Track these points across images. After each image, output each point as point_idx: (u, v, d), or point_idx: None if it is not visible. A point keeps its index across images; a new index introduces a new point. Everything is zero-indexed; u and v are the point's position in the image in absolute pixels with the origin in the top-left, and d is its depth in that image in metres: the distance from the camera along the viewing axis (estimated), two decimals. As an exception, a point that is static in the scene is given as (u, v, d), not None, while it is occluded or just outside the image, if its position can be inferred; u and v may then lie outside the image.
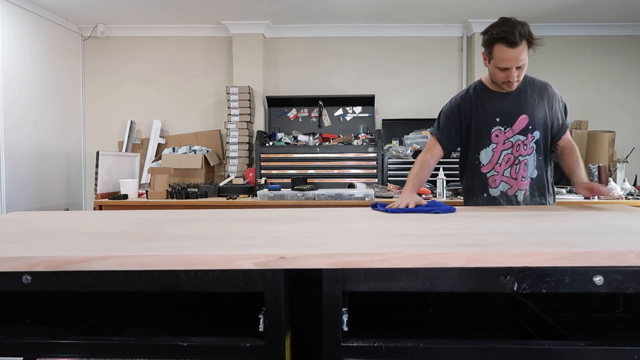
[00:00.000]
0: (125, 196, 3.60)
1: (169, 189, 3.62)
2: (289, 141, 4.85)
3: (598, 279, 0.95)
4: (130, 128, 5.03)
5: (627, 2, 4.40)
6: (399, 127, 5.02)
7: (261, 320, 0.98)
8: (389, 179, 4.41)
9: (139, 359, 0.99)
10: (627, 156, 4.12)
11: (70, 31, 5.06)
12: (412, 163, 4.45)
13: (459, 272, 0.96)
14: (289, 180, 3.83)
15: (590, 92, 5.15)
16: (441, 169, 3.61)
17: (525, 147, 2.02)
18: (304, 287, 1.09)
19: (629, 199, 3.36)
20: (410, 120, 5.06)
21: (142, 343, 0.99)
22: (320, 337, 0.98)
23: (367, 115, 5.12)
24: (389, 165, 4.49)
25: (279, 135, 4.94)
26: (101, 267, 0.96)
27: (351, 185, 3.92)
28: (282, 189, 3.61)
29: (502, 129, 2.03)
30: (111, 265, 0.96)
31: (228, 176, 4.53)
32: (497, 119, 2.03)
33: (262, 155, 4.58)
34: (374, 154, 4.52)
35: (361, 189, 3.65)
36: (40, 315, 1.46)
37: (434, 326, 1.46)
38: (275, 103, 5.13)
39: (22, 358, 1.00)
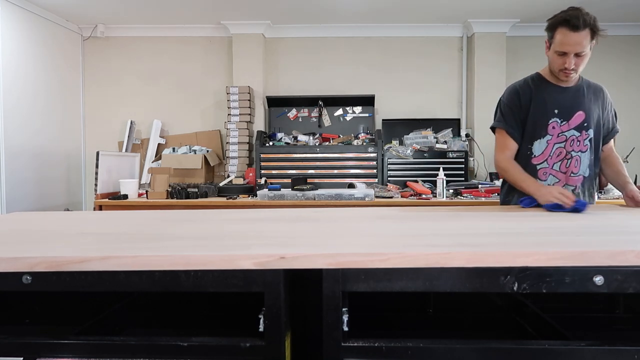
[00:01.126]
0: (125, 196, 3.60)
1: (169, 189, 3.62)
2: (289, 141, 4.85)
3: (598, 279, 0.95)
4: (130, 128, 5.03)
5: (626, 2, 4.40)
6: (399, 127, 5.02)
7: (261, 320, 0.98)
8: (389, 179, 4.41)
9: (138, 359, 0.99)
10: (627, 156, 4.12)
11: (70, 31, 5.06)
12: (412, 163, 4.49)
13: (459, 272, 0.96)
14: (289, 181, 3.83)
15: (590, 92, 5.14)
16: (441, 169, 3.62)
17: (579, 143, 2.02)
18: (304, 287, 1.09)
19: (629, 199, 3.35)
20: (410, 120, 5.06)
21: (142, 343, 0.99)
22: (321, 337, 0.98)
23: (367, 115, 5.12)
24: (389, 165, 4.49)
25: (279, 135, 4.94)
26: (101, 268, 0.96)
27: (351, 186, 3.92)
28: (282, 189, 3.61)
29: (559, 121, 2.02)
30: (111, 265, 0.96)
31: (228, 176, 4.53)
32: (556, 111, 2.02)
33: (262, 155, 4.58)
34: (374, 154, 4.52)
35: (361, 189, 3.65)
36: (41, 315, 1.46)
37: (434, 326, 1.46)
38: (275, 103, 5.13)
39: (22, 358, 1.00)
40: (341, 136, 4.95)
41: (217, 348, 0.99)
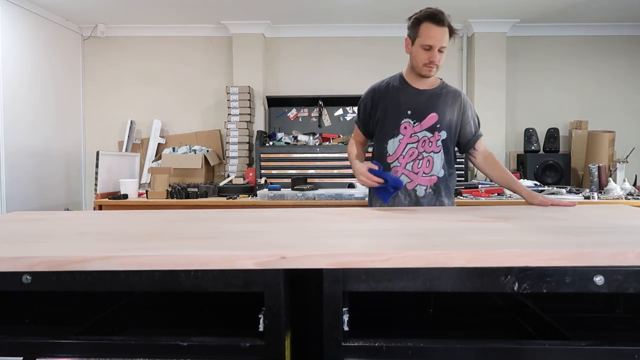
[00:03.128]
0: (125, 196, 3.60)
1: (169, 189, 3.61)
2: (289, 141, 4.85)
3: (598, 279, 0.95)
4: (130, 128, 5.03)
5: (627, 2, 4.40)
6: (399, 127, 5.01)
7: (261, 320, 0.98)
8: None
9: (138, 359, 0.99)
10: (627, 156, 4.12)
11: (70, 31, 5.06)
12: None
13: (459, 272, 0.96)
14: (289, 180, 3.83)
15: (590, 92, 5.15)
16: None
17: (431, 144, 2.07)
18: (304, 286, 1.08)
19: (629, 199, 3.36)
20: (410, 120, 5.06)
21: (142, 343, 0.99)
22: (321, 337, 0.98)
23: (367, 115, 5.11)
24: (389, 165, 4.48)
25: (279, 135, 4.94)
26: (101, 267, 0.96)
27: (351, 185, 3.92)
28: (282, 189, 3.61)
29: (412, 122, 2.08)
30: (111, 265, 0.96)
31: (228, 176, 4.53)
32: (409, 112, 2.08)
33: (262, 155, 4.57)
34: (374, 154, 4.51)
35: (361, 189, 3.65)
36: (41, 315, 1.46)
37: (434, 326, 1.46)
38: (275, 103, 5.13)
39: (22, 358, 1.00)
40: (341, 136, 4.95)
41: (217, 348, 0.99)
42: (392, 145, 2.10)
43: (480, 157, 2.17)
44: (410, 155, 2.08)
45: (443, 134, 2.07)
